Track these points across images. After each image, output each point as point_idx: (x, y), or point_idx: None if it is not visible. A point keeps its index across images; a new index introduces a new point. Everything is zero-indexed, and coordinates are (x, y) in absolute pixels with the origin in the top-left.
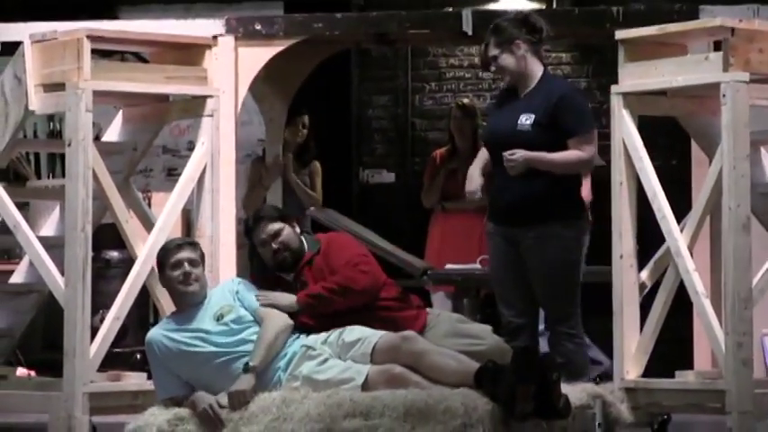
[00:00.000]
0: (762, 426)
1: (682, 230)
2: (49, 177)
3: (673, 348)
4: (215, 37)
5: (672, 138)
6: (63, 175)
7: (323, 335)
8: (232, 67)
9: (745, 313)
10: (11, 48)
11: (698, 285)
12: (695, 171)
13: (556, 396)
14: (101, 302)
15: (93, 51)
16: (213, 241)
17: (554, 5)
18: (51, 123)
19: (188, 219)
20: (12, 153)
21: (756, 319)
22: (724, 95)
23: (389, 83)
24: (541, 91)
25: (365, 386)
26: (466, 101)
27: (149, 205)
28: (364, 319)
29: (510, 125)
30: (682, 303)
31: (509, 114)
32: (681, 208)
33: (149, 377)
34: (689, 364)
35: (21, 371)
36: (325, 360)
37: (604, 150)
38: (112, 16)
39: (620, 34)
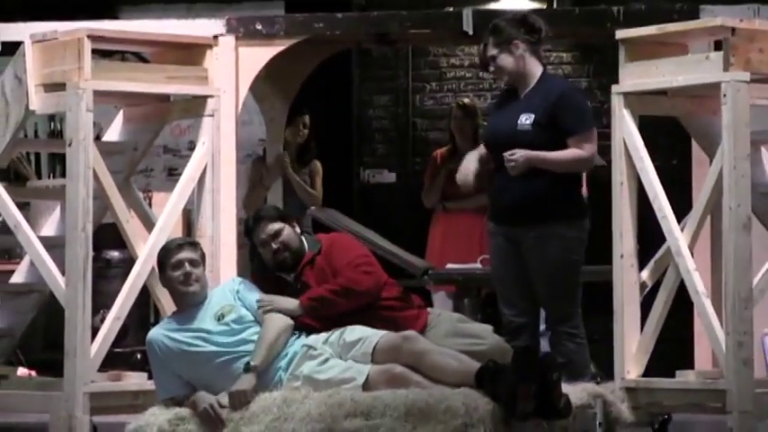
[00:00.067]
0: (762, 425)
1: (682, 230)
2: (49, 177)
3: (673, 348)
4: (216, 37)
5: (672, 137)
6: (64, 175)
7: (324, 335)
8: (233, 67)
9: (746, 313)
10: (11, 48)
11: (698, 285)
12: (696, 171)
13: (556, 396)
14: (101, 302)
15: (94, 51)
16: (214, 241)
17: (554, 5)
18: (52, 123)
19: (189, 219)
20: (12, 153)
21: (757, 318)
22: (724, 95)
23: (390, 83)
24: (541, 90)
25: (366, 386)
26: (466, 101)
27: (150, 205)
28: (365, 319)
29: (510, 125)
30: (682, 303)
31: (509, 114)
32: (681, 208)
33: (150, 377)
34: (689, 364)
35: (21, 371)
36: (326, 360)
37: (605, 150)
38: (113, 16)
39: (621, 34)
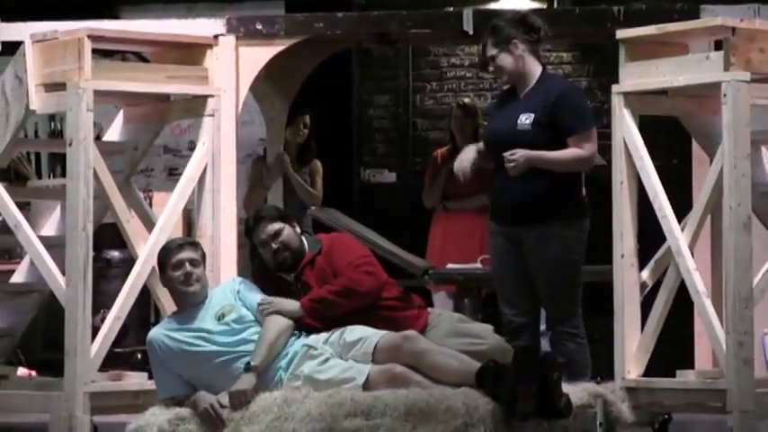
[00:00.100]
0: (763, 425)
1: (682, 230)
2: (49, 177)
3: (674, 348)
4: (216, 36)
5: (673, 137)
6: (64, 175)
7: (324, 334)
8: (233, 67)
9: (746, 312)
10: (12, 47)
11: (699, 285)
12: (696, 170)
13: (557, 395)
14: (102, 302)
15: (94, 51)
16: (214, 241)
17: (555, 5)
18: (52, 123)
19: (189, 218)
20: (13, 153)
21: (757, 318)
22: (725, 95)
23: (390, 82)
24: (540, 90)
25: (366, 386)
26: (467, 100)
27: (150, 205)
28: (366, 319)
29: (510, 125)
30: (683, 303)
31: (509, 114)
32: (682, 207)
33: (150, 377)
34: (690, 364)
35: (22, 370)
36: (327, 360)
37: (605, 150)
38: (113, 16)
39: (621, 34)
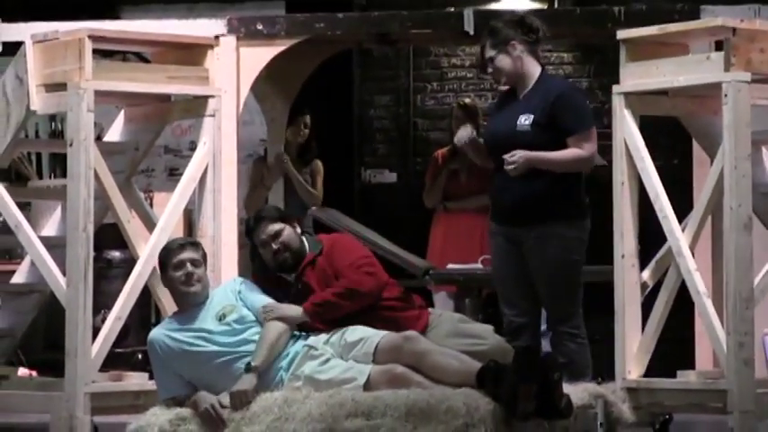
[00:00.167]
0: (763, 425)
1: (683, 230)
2: (50, 177)
3: (674, 348)
4: (217, 37)
5: (673, 138)
6: (64, 176)
7: (325, 335)
8: (234, 67)
9: (747, 313)
10: (12, 48)
11: (699, 285)
12: (697, 171)
13: (558, 396)
14: (102, 302)
15: (95, 51)
16: (215, 241)
17: (555, 5)
18: (53, 123)
19: (190, 219)
20: (13, 153)
21: (758, 318)
22: (725, 95)
23: (391, 83)
24: (539, 91)
25: (367, 386)
26: (468, 101)
27: (151, 205)
28: (366, 320)
29: (509, 126)
30: (683, 303)
31: (508, 115)
32: (682, 208)
33: (151, 377)
34: (690, 364)
35: (22, 371)
36: (327, 360)
37: (606, 150)
38: (114, 16)
39: (622, 34)
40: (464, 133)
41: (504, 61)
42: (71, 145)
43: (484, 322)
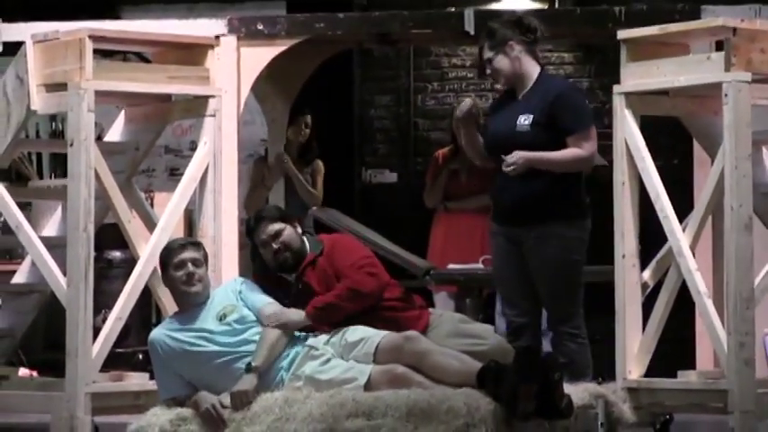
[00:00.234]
0: (764, 425)
1: (684, 230)
2: (51, 177)
3: (675, 348)
4: (217, 37)
5: (674, 138)
6: (65, 176)
7: (325, 335)
8: (234, 67)
9: (748, 313)
10: (13, 48)
11: (700, 285)
12: (697, 171)
13: (558, 396)
14: (103, 302)
15: (96, 51)
16: (215, 241)
17: (556, 5)
18: (53, 123)
19: (190, 219)
20: (14, 153)
21: (758, 318)
22: (726, 95)
23: (392, 83)
24: (539, 91)
25: (368, 386)
26: (468, 101)
27: (152, 205)
28: (367, 320)
29: (509, 126)
30: (684, 303)
31: (508, 116)
32: (683, 208)
33: (152, 377)
34: (691, 364)
35: (23, 371)
36: (328, 360)
37: (606, 150)
38: (114, 16)
39: (622, 34)
40: (465, 105)
41: (502, 62)
42: (71, 145)
43: (484, 322)
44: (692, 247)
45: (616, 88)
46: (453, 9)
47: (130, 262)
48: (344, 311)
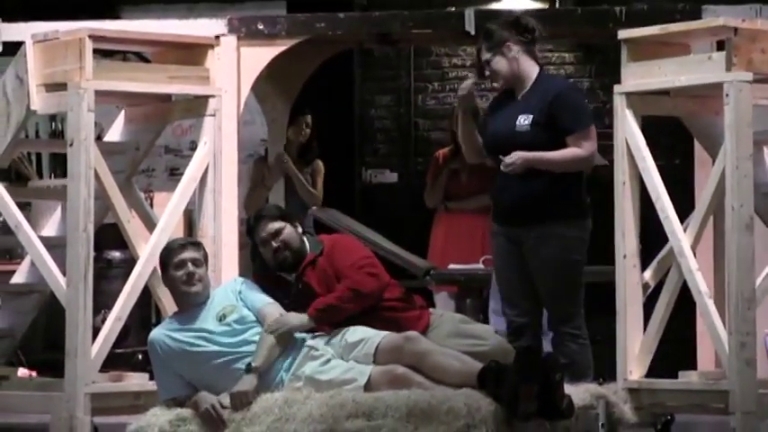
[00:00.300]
0: (765, 426)
1: (685, 230)
2: (50, 177)
3: (676, 348)
4: (217, 37)
5: (675, 138)
6: (65, 176)
7: (326, 335)
8: (234, 67)
9: (749, 313)
10: (12, 48)
11: (701, 285)
12: (698, 171)
13: (559, 396)
14: (102, 303)
15: (95, 51)
16: (215, 241)
17: (557, 5)
18: (53, 123)
19: (190, 219)
20: (13, 153)
21: (760, 318)
22: (727, 95)
23: (392, 83)
24: (538, 91)
25: (368, 387)
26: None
27: (151, 205)
28: (367, 320)
29: (509, 126)
30: (685, 303)
31: (507, 116)
32: (684, 208)
33: (151, 377)
34: (692, 365)
35: (22, 371)
36: (328, 360)
37: (607, 150)
38: (114, 16)
39: (623, 34)
40: (467, 83)
41: (500, 63)
42: (71, 145)
43: (485, 322)
44: (693, 248)
45: (617, 88)
46: (454, 9)
47: (130, 262)
48: (346, 312)
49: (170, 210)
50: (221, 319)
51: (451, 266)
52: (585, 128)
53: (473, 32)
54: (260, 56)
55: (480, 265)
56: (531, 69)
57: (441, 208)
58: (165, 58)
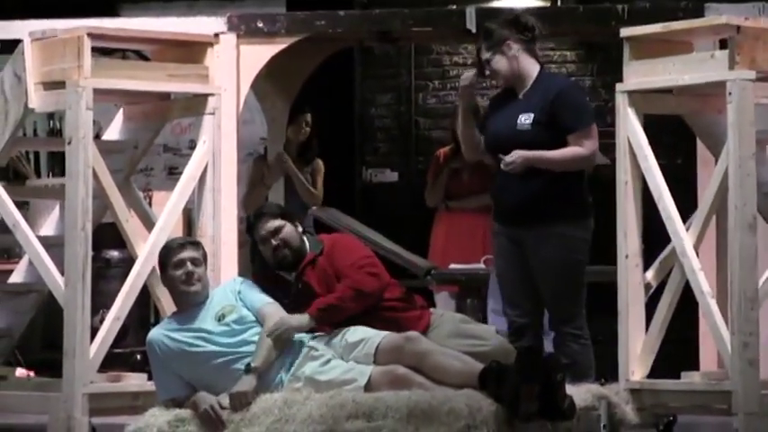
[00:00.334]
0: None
1: (687, 230)
2: (48, 176)
3: (678, 349)
4: (217, 35)
5: (677, 136)
6: (63, 174)
7: (325, 336)
8: (234, 65)
9: (752, 313)
10: (11, 46)
11: (704, 285)
12: (701, 170)
13: (560, 397)
14: (101, 302)
15: (94, 49)
16: (215, 241)
17: (558, 3)
18: (51, 122)
19: (189, 218)
20: (11, 151)
21: (762, 319)
22: (730, 94)
23: (392, 81)
24: (539, 89)
25: (368, 387)
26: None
27: (150, 204)
28: (368, 320)
29: (510, 125)
30: (687, 303)
31: (508, 115)
32: (686, 207)
33: (150, 378)
34: (695, 365)
35: (20, 371)
36: (328, 361)
37: (609, 149)
38: (113, 14)
39: (626, 32)
40: (468, 74)
41: (500, 62)
42: (69, 143)
43: (484, 322)
44: (696, 247)
45: (619, 86)
46: (455, 7)
47: (128, 261)
48: (347, 312)
49: (169, 209)
50: (220, 319)
51: (452, 266)
52: (587, 126)
53: (474, 30)
54: (259, 54)
55: (481, 265)
56: (531, 68)
57: (441, 207)
58: (165, 56)
